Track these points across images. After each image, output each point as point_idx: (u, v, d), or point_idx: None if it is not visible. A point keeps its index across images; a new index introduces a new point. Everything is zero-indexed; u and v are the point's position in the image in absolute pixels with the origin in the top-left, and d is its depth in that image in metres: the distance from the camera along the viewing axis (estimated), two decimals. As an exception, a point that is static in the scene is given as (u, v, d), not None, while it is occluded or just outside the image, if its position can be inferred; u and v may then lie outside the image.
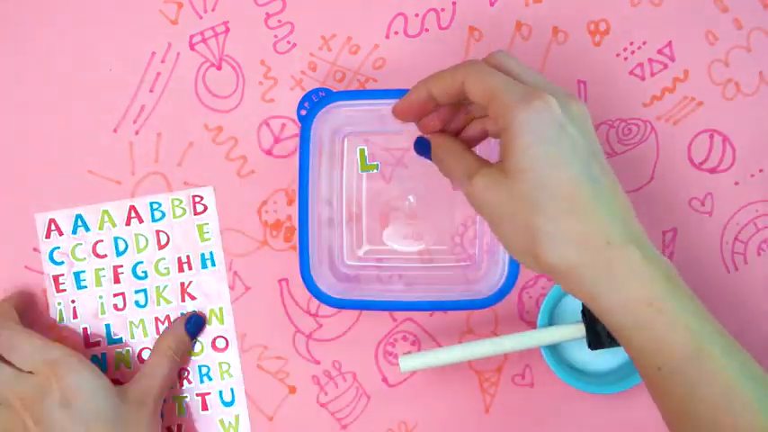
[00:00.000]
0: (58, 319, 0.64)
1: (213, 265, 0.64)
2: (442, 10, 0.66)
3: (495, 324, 0.65)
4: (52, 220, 0.64)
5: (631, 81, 0.66)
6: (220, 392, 0.64)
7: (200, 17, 0.66)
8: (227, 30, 0.66)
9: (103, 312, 0.64)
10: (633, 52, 0.66)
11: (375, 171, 0.64)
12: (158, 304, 0.64)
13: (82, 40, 0.66)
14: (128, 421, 0.58)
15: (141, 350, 0.64)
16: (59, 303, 0.64)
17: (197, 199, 0.64)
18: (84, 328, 0.64)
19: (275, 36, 0.66)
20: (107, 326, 0.64)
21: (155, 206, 0.64)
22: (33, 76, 0.66)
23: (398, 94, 0.60)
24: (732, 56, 0.66)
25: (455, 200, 0.64)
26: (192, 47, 0.66)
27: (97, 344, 0.64)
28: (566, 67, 0.66)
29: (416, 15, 0.66)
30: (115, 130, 0.66)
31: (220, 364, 0.64)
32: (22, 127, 0.66)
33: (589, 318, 0.61)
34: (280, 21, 0.66)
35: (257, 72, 0.66)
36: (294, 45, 0.66)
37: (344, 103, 0.60)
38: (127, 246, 0.64)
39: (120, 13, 0.66)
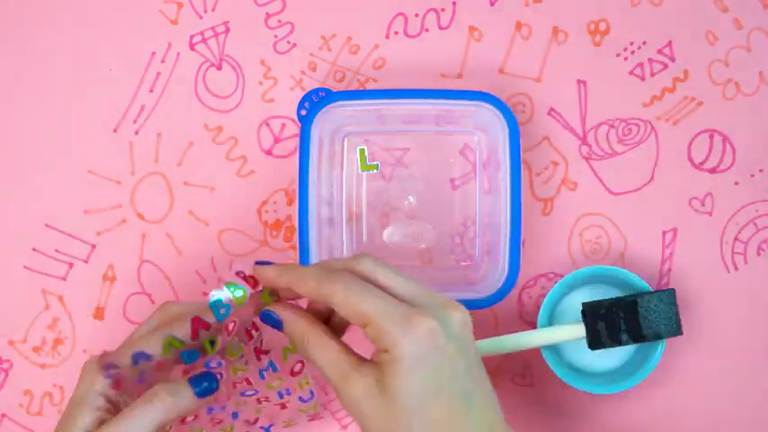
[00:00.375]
0: None
1: (278, 325, 0.54)
2: (442, 10, 0.66)
3: (495, 324, 0.65)
4: (110, 364, 0.51)
5: (631, 81, 0.66)
6: (299, 397, 0.59)
7: (200, 17, 0.66)
8: (227, 30, 0.66)
9: None
10: (633, 52, 0.66)
11: (375, 171, 0.64)
12: (235, 375, 0.56)
13: (82, 40, 0.66)
14: None
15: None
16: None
17: (242, 275, 0.54)
18: None
19: (275, 36, 0.66)
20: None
21: (217, 306, 0.52)
22: (33, 76, 0.66)
23: (398, 94, 0.61)
24: (732, 56, 0.66)
25: (455, 200, 0.64)
26: (191, 47, 0.66)
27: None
28: (566, 67, 0.66)
29: (416, 15, 0.66)
30: (115, 130, 0.66)
31: (298, 383, 0.59)
32: (22, 127, 0.66)
33: (589, 318, 0.61)
34: (280, 21, 0.66)
35: (257, 72, 0.66)
36: (294, 45, 0.66)
37: (344, 103, 0.60)
38: (197, 354, 0.53)
39: (120, 13, 0.66)
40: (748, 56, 0.66)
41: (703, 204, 0.66)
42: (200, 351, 0.53)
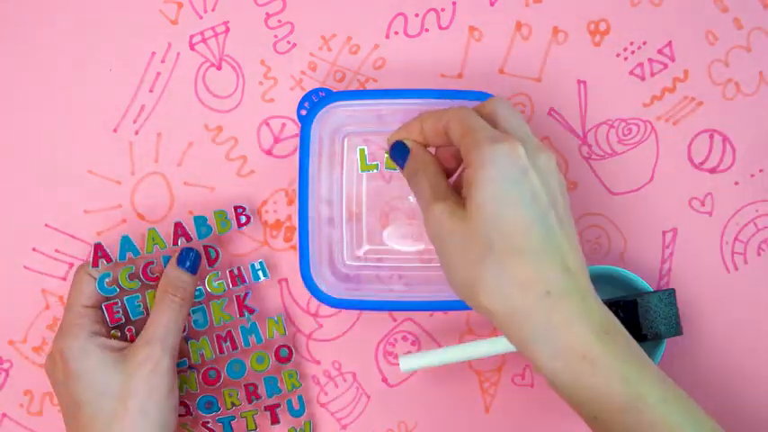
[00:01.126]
0: None
1: (266, 275, 0.63)
2: (442, 10, 0.66)
3: (495, 324, 0.65)
4: (98, 247, 0.60)
5: (631, 81, 0.66)
6: (289, 402, 0.63)
7: (200, 17, 0.66)
8: (227, 30, 0.66)
9: None
10: (633, 52, 0.66)
11: (375, 171, 0.64)
12: (218, 321, 0.62)
13: (82, 40, 0.66)
14: (132, 359, 0.57)
15: (206, 371, 0.62)
16: (115, 335, 0.60)
17: (239, 210, 0.62)
18: None
19: (275, 36, 0.66)
20: None
21: (200, 221, 0.61)
22: (33, 76, 0.66)
23: (398, 94, 0.61)
24: (732, 56, 0.66)
25: (455, 200, 0.64)
26: (191, 47, 0.66)
27: None
28: (566, 67, 0.66)
29: (416, 15, 0.66)
30: (115, 130, 0.66)
31: (286, 374, 0.63)
32: (22, 127, 0.66)
33: (589, 318, 0.61)
34: (280, 21, 0.66)
35: (257, 72, 0.66)
36: (294, 45, 0.66)
37: (344, 103, 0.60)
38: None
39: (120, 13, 0.66)
40: (748, 56, 0.66)
41: (703, 204, 0.66)
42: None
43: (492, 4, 0.66)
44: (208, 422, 0.63)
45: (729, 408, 0.65)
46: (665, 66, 0.66)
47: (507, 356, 0.65)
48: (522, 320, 0.48)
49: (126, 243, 0.61)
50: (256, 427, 0.63)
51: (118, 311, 0.60)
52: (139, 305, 0.61)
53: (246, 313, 0.63)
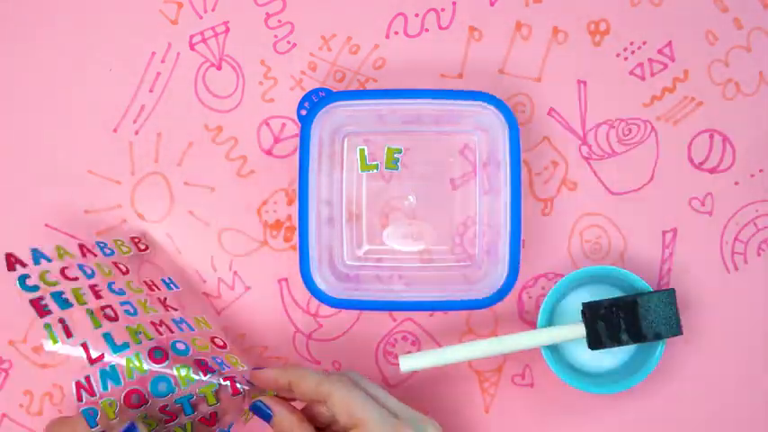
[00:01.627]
0: (52, 342, 0.56)
1: (176, 287, 0.64)
2: (442, 10, 0.66)
3: (495, 324, 0.65)
4: (10, 255, 0.57)
5: (631, 81, 0.66)
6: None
7: (201, 17, 0.66)
8: (227, 30, 0.66)
9: (98, 325, 0.57)
10: (633, 52, 0.66)
11: (375, 171, 0.64)
12: (147, 312, 0.60)
13: (82, 40, 0.66)
14: None
15: (152, 350, 0.57)
16: (48, 326, 0.56)
17: (136, 240, 0.64)
18: (84, 344, 0.56)
19: (275, 36, 0.66)
20: (106, 335, 0.57)
21: (101, 245, 0.62)
22: (33, 76, 0.66)
23: (398, 94, 0.61)
24: (732, 56, 0.66)
25: (455, 200, 0.64)
26: (191, 47, 0.66)
27: (101, 357, 0.56)
28: (566, 67, 0.66)
29: (416, 15, 0.66)
30: (115, 130, 0.66)
31: (228, 356, 0.59)
32: (22, 127, 0.66)
33: (589, 318, 0.61)
34: (280, 21, 0.66)
35: (257, 72, 0.66)
36: (294, 45, 0.66)
37: (344, 103, 0.60)
38: (93, 271, 0.60)
39: (120, 13, 0.66)
40: (748, 56, 0.66)
41: (703, 204, 0.66)
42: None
43: (492, 4, 0.66)
44: (166, 405, 0.57)
45: (729, 407, 0.65)
46: (665, 66, 0.66)
47: (507, 356, 0.65)
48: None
49: (36, 253, 0.58)
50: (217, 402, 0.58)
51: (45, 305, 0.56)
52: (65, 299, 0.57)
53: (171, 310, 0.62)
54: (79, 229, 0.65)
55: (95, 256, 0.61)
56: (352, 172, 0.64)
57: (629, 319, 0.61)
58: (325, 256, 0.63)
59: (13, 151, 0.66)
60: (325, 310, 0.65)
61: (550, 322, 0.64)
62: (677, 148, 0.66)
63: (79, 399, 0.55)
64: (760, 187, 0.66)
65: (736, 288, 0.66)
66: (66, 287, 0.58)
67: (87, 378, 0.55)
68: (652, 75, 0.66)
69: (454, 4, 0.66)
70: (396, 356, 0.65)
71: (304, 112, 0.64)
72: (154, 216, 0.65)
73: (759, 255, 0.66)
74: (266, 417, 0.56)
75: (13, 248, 0.65)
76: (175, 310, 0.62)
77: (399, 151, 0.64)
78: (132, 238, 0.64)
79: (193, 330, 0.61)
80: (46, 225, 0.65)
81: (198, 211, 0.65)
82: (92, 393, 0.55)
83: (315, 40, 0.66)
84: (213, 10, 0.66)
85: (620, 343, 0.61)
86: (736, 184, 0.66)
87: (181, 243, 0.65)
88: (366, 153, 0.64)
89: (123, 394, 0.56)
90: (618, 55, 0.66)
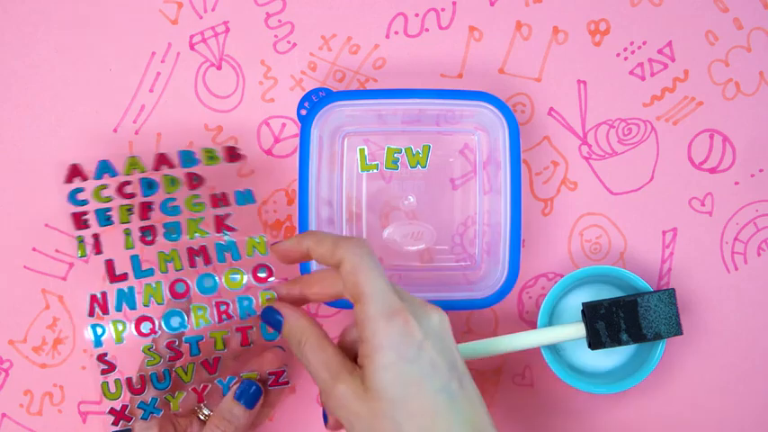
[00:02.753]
0: (79, 254, 0.57)
1: (251, 200, 0.59)
2: (442, 10, 0.66)
3: (495, 324, 0.65)
4: (74, 167, 0.57)
5: (631, 81, 0.66)
6: (263, 326, 0.57)
7: (201, 17, 0.66)
8: (227, 30, 0.66)
9: (130, 245, 0.57)
10: (633, 52, 0.66)
11: (375, 171, 0.64)
12: (191, 236, 0.58)
13: (82, 40, 0.66)
14: None
15: (174, 283, 0.57)
16: (80, 238, 0.57)
17: (231, 149, 0.60)
18: (109, 261, 0.57)
19: (275, 36, 0.66)
20: (134, 258, 0.57)
21: (186, 154, 0.59)
22: (33, 76, 0.66)
23: (398, 94, 0.61)
24: (732, 56, 0.66)
25: (455, 200, 0.64)
26: (191, 47, 0.66)
27: (123, 277, 0.57)
28: (566, 67, 0.66)
29: (416, 15, 0.66)
30: (115, 130, 0.66)
31: (263, 294, 0.57)
32: (22, 127, 0.66)
33: (589, 318, 0.61)
34: (280, 21, 0.66)
35: (257, 72, 0.66)
36: (294, 45, 0.66)
37: (344, 102, 0.60)
38: (156, 185, 0.58)
39: (120, 13, 0.66)
40: (748, 56, 0.66)
41: (703, 204, 0.66)
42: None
43: (492, 4, 0.66)
44: (174, 342, 0.58)
45: (729, 407, 0.65)
46: (665, 66, 0.66)
47: (507, 356, 0.65)
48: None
49: (104, 166, 0.58)
50: (224, 348, 0.58)
51: (86, 219, 0.57)
52: (109, 216, 0.57)
53: (225, 231, 0.58)
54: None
55: (171, 167, 0.58)
56: (352, 172, 0.64)
57: (629, 319, 0.61)
58: (325, 256, 0.63)
59: (13, 151, 0.66)
60: (326, 309, 0.65)
61: (550, 322, 0.64)
62: (677, 148, 0.66)
63: (91, 314, 0.56)
64: (760, 187, 0.66)
65: (736, 288, 0.66)
66: (115, 204, 0.57)
67: (104, 294, 0.56)
68: (652, 75, 0.66)
69: (454, 4, 0.66)
70: (396, 356, 0.65)
71: (304, 112, 0.64)
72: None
73: (759, 255, 0.66)
74: (277, 324, 0.54)
75: (12, 248, 0.65)
76: (231, 230, 0.59)
77: (399, 151, 0.64)
78: (227, 148, 0.60)
79: (239, 259, 0.58)
80: (46, 225, 0.65)
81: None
82: (104, 310, 0.56)
83: (315, 40, 0.66)
84: (213, 10, 0.66)
85: (620, 343, 0.61)
86: (736, 184, 0.66)
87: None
88: (366, 153, 0.64)
89: (135, 319, 0.56)
90: (618, 55, 0.66)
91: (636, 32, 0.66)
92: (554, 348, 0.64)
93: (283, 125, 0.66)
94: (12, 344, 0.65)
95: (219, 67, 0.66)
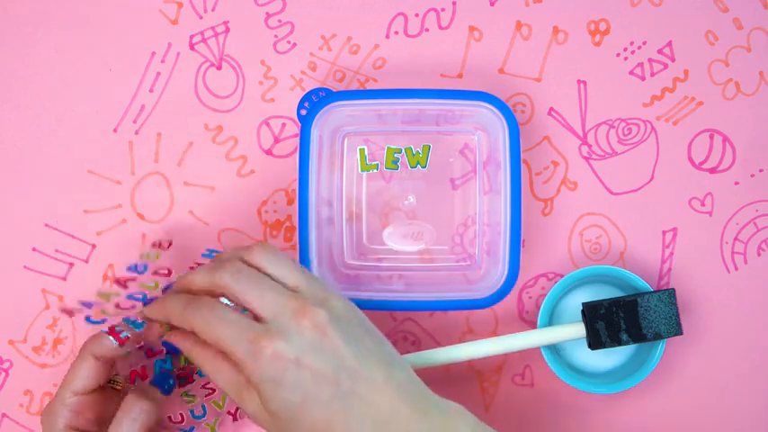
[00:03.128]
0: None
1: (218, 251, 0.60)
2: (442, 10, 0.66)
3: (495, 324, 0.65)
4: (65, 311, 0.60)
5: (631, 81, 0.66)
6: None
7: (201, 17, 0.66)
8: (227, 30, 0.66)
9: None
10: (633, 52, 0.66)
11: (375, 171, 0.64)
12: None
13: (82, 40, 0.66)
14: None
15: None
16: (127, 353, 0.59)
17: (156, 243, 0.63)
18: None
19: (275, 36, 0.66)
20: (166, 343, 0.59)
21: (133, 268, 0.59)
22: (33, 76, 0.66)
23: (399, 94, 0.61)
24: (732, 56, 0.66)
25: (455, 200, 0.64)
26: (191, 47, 0.66)
27: (159, 352, 0.62)
28: (566, 67, 0.66)
29: (416, 15, 0.66)
30: (115, 130, 0.66)
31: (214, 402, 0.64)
32: (22, 127, 0.66)
33: (589, 318, 0.61)
34: (280, 21, 0.66)
35: (257, 72, 0.66)
36: (294, 45, 0.66)
37: (345, 102, 0.60)
38: (144, 294, 0.59)
39: (120, 13, 0.66)
40: (748, 56, 0.66)
41: (703, 204, 0.66)
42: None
43: (492, 4, 0.66)
44: (209, 382, 0.63)
45: (729, 407, 0.65)
46: (665, 66, 0.66)
47: (507, 356, 0.65)
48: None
49: (84, 305, 0.58)
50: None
51: (121, 331, 0.58)
52: (136, 320, 0.58)
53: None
54: (79, 229, 0.65)
55: (134, 280, 0.60)
56: (352, 172, 0.64)
57: (629, 319, 0.61)
58: (325, 256, 0.63)
59: (13, 151, 0.66)
60: (325, 310, 0.65)
61: (550, 322, 0.64)
62: (677, 148, 0.66)
63: (132, 381, 0.61)
64: (760, 187, 0.66)
65: (736, 288, 0.66)
66: (129, 314, 0.59)
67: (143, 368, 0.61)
68: (652, 75, 0.66)
69: (454, 4, 0.66)
70: (396, 356, 0.65)
71: (304, 112, 0.64)
72: (154, 216, 0.65)
73: (759, 255, 0.66)
74: (176, 350, 0.56)
75: (12, 248, 0.65)
76: (157, 353, 0.62)
77: (399, 151, 0.64)
78: (153, 244, 0.63)
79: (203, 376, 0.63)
80: (46, 225, 0.65)
81: (198, 211, 0.65)
82: (121, 342, 0.58)
83: (315, 40, 0.66)
84: (213, 10, 0.66)
85: (620, 343, 0.61)
86: (736, 184, 0.66)
87: (181, 243, 0.65)
88: (366, 153, 0.64)
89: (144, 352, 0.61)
90: (618, 55, 0.66)
91: (636, 32, 0.66)
92: (554, 348, 0.64)
93: (283, 125, 0.66)
94: (12, 344, 0.65)
95: (219, 67, 0.66)
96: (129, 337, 0.57)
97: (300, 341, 0.49)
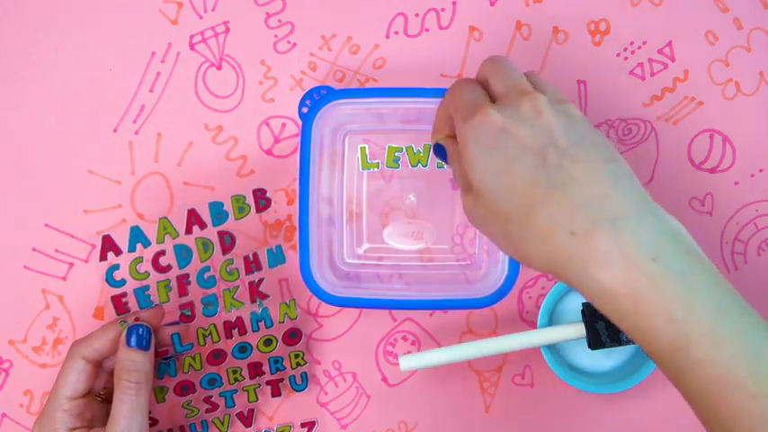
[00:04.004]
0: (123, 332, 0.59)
1: (282, 260, 0.60)
2: (442, 10, 0.66)
3: (495, 324, 0.65)
4: (107, 239, 0.58)
5: (631, 81, 0.66)
6: (292, 378, 0.64)
7: (201, 17, 0.66)
8: (227, 30, 0.66)
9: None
10: (633, 52, 0.66)
11: (376, 169, 0.64)
12: (228, 309, 0.60)
13: (82, 40, 0.66)
14: None
15: (211, 353, 0.62)
16: (122, 323, 0.59)
17: (258, 194, 0.60)
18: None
19: (275, 36, 0.66)
20: (174, 336, 0.60)
21: (214, 208, 0.59)
22: (33, 76, 0.66)
23: (400, 92, 0.61)
24: (732, 56, 0.66)
25: (455, 199, 0.64)
26: (191, 47, 0.66)
27: (164, 353, 0.61)
28: (566, 67, 0.66)
29: (416, 15, 0.66)
30: (115, 130, 0.66)
31: (292, 354, 0.63)
32: (22, 127, 0.66)
33: (589, 318, 0.61)
34: (280, 21, 0.66)
35: (257, 72, 0.66)
36: (294, 45, 0.66)
37: (346, 101, 0.60)
38: (191, 254, 0.59)
39: (120, 14, 0.66)
40: (748, 56, 0.66)
41: (703, 204, 0.66)
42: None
43: (492, 4, 0.66)
44: (210, 396, 0.63)
45: (730, 408, 0.65)
46: (665, 66, 0.66)
47: (507, 356, 0.65)
48: (559, 269, 0.45)
49: (135, 234, 0.59)
50: (257, 399, 0.64)
51: (126, 303, 0.59)
52: (148, 296, 0.59)
53: (258, 299, 0.61)
54: (79, 229, 0.65)
55: (203, 227, 0.59)
56: (352, 171, 0.64)
57: (630, 318, 0.61)
58: (325, 255, 0.63)
59: (13, 151, 0.66)
60: (325, 309, 0.65)
61: (550, 322, 0.64)
62: (677, 148, 0.66)
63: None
64: (760, 187, 0.66)
65: (736, 288, 0.65)
66: (153, 281, 0.59)
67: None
68: (652, 75, 0.66)
69: (454, 4, 0.66)
70: (396, 356, 0.65)
71: (305, 110, 0.64)
72: (154, 216, 0.65)
73: (759, 255, 0.66)
74: (442, 151, 0.55)
75: (12, 248, 0.65)
76: (264, 297, 0.61)
77: (400, 150, 0.64)
78: (255, 192, 0.60)
79: (271, 326, 0.61)
80: (46, 225, 0.65)
81: (198, 210, 0.65)
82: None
83: (315, 40, 0.66)
84: (213, 10, 0.66)
85: (620, 343, 0.61)
86: (736, 184, 0.66)
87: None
88: (367, 151, 0.64)
89: (174, 384, 0.62)
90: (618, 55, 0.66)
91: (636, 32, 0.66)
92: (554, 348, 0.64)
93: (283, 125, 0.66)
94: (12, 344, 0.65)
95: (219, 67, 0.66)
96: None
97: (513, 113, 0.47)
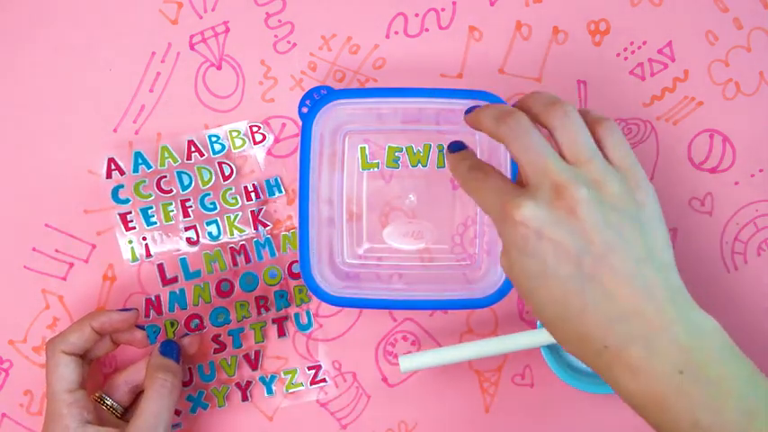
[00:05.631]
0: (131, 259, 0.64)
1: (280, 191, 0.65)
2: (442, 10, 0.66)
3: (495, 324, 0.65)
4: (111, 160, 0.63)
5: (631, 81, 0.66)
6: (296, 316, 0.65)
7: (201, 17, 0.66)
8: (227, 30, 0.66)
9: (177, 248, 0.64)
10: (633, 52, 0.66)
11: (376, 169, 0.64)
12: (231, 235, 0.64)
13: (82, 40, 0.66)
14: None
15: (220, 282, 0.64)
16: (130, 242, 0.64)
17: (254, 129, 0.65)
18: (160, 265, 0.64)
19: (275, 36, 0.66)
20: (182, 260, 0.64)
21: (213, 139, 0.64)
22: (33, 76, 0.66)
23: (400, 92, 0.61)
24: (732, 56, 0.66)
25: (455, 199, 0.64)
26: (191, 47, 0.66)
27: (174, 280, 0.64)
28: (566, 67, 0.66)
29: (416, 15, 0.66)
30: (115, 130, 0.66)
31: (296, 288, 0.65)
32: (22, 127, 0.66)
33: (589, 317, 0.61)
34: (280, 21, 0.66)
35: (257, 72, 0.66)
36: (294, 45, 0.66)
37: (346, 101, 0.60)
38: (191, 179, 0.64)
39: (120, 13, 0.66)
40: (748, 56, 0.66)
41: (703, 204, 0.66)
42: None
43: (492, 4, 0.66)
44: (219, 335, 0.64)
45: (730, 408, 0.65)
46: (665, 66, 0.66)
47: (507, 356, 0.65)
48: (594, 367, 0.48)
49: (139, 157, 0.63)
50: (263, 340, 0.65)
51: (132, 221, 0.63)
52: (153, 215, 0.63)
53: (260, 227, 0.64)
54: (79, 229, 0.65)
55: (202, 155, 0.64)
56: (352, 171, 0.64)
57: (630, 318, 0.61)
58: (325, 255, 0.63)
59: (14, 151, 0.66)
60: (325, 309, 0.65)
61: (550, 322, 0.63)
62: (677, 148, 0.66)
63: (146, 315, 0.64)
64: (760, 187, 0.66)
65: (736, 288, 0.66)
66: (156, 202, 0.63)
67: (157, 297, 0.64)
68: (652, 75, 0.66)
69: (454, 4, 0.66)
70: (396, 356, 0.65)
71: (305, 110, 0.64)
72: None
73: (759, 255, 0.66)
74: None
75: (12, 248, 0.65)
76: (265, 226, 0.65)
77: (400, 150, 0.64)
78: (251, 127, 0.65)
79: (274, 256, 0.65)
80: (46, 225, 0.65)
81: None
82: (159, 312, 0.64)
83: (315, 40, 0.66)
84: (213, 10, 0.66)
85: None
86: (736, 184, 0.66)
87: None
88: (367, 151, 0.64)
89: (185, 318, 0.63)
90: (618, 55, 0.66)
91: (636, 32, 0.66)
92: (554, 348, 0.64)
93: (283, 125, 0.66)
94: (12, 344, 0.65)
95: (219, 67, 0.66)
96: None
97: (548, 216, 0.46)
